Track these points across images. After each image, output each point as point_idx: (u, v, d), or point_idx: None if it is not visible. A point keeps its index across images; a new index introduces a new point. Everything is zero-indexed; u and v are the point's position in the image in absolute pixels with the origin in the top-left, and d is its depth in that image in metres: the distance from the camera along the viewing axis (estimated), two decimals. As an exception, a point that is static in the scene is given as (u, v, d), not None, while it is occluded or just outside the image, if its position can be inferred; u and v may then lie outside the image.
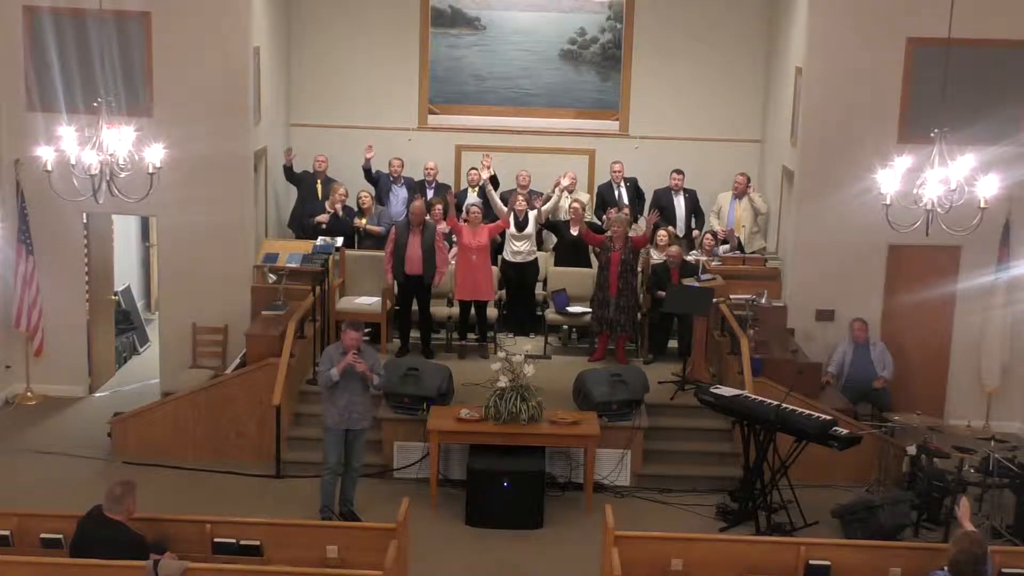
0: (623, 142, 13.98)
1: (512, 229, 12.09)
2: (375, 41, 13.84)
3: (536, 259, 12.38)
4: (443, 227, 12.10)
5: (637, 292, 11.70)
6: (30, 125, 11.27)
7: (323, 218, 12.44)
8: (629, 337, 11.74)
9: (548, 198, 12.67)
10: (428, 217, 11.75)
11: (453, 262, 12.08)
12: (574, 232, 12.16)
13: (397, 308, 11.90)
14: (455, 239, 12.33)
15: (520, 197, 12.26)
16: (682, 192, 13.04)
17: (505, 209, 12.08)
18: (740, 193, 12.93)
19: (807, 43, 11.71)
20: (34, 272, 11.72)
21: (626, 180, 13.17)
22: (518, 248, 12.17)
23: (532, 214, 12.24)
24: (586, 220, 12.46)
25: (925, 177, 8.12)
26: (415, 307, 11.69)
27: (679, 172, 13.02)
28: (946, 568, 6.20)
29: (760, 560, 7.50)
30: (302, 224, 12.78)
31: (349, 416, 9.22)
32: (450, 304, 12.00)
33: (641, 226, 12.41)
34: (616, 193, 13.08)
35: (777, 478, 9.54)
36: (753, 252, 12.73)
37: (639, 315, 11.97)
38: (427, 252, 11.34)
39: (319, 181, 12.91)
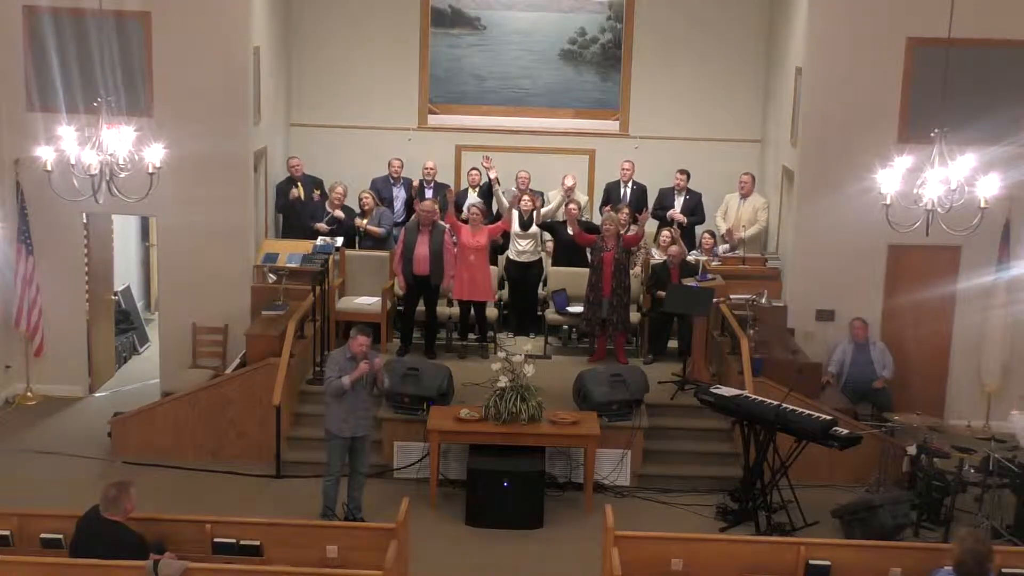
0: (623, 142, 13.97)
1: (516, 228, 12.09)
2: (375, 41, 13.83)
3: (540, 259, 12.38)
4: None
5: (631, 291, 11.68)
6: (30, 125, 11.26)
7: (322, 227, 12.39)
8: (624, 336, 11.73)
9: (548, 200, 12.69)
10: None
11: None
12: (571, 232, 12.16)
13: (400, 308, 11.89)
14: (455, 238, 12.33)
15: (525, 197, 12.26)
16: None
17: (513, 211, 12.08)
18: (747, 193, 12.94)
19: (807, 43, 11.72)
20: (34, 272, 11.72)
21: (635, 183, 13.17)
22: (523, 247, 12.16)
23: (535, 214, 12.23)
24: (583, 220, 12.45)
25: (925, 177, 8.13)
26: (418, 307, 11.67)
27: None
28: (951, 567, 6.19)
29: (760, 560, 7.50)
30: (303, 225, 12.71)
31: (356, 423, 9.18)
32: (451, 304, 12.00)
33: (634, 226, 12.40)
34: (620, 192, 13.11)
35: (777, 478, 9.55)
36: (753, 253, 12.70)
37: (639, 315, 11.97)
38: (436, 252, 11.32)
39: (297, 184, 12.87)
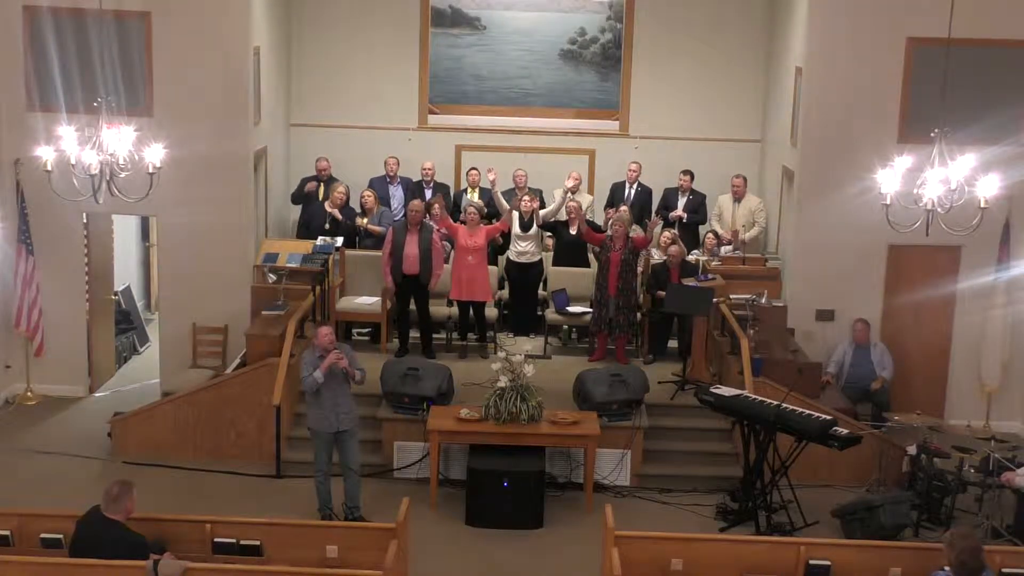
0: (623, 142, 13.98)
1: (517, 229, 12.08)
2: (375, 41, 13.84)
3: (540, 259, 12.37)
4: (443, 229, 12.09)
5: (637, 292, 11.70)
6: (30, 125, 11.26)
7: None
8: (628, 337, 11.74)
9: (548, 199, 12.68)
10: (427, 218, 11.73)
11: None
12: (572, 232, 12.16)
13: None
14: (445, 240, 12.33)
15: (526, 197, 12.25)
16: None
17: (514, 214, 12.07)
18: (740, 196, 12.93)
19: (807, 43, 11.71)
20: (34, 272, 11.71)
21: (640, 185, 13.17)
22: (523, 248, 12.16)
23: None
24: (586, 220, 12.44)
25: (925, 177, 8.13)
26: (412, 307, 11.67)
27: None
28: (947, 568, 6.19)
29: (760, 560, 7.51)
30: (309, 226, 12.70)
31: (336, 417, 9.18)
32: (450, 304, 11.99)
33: (640, 231, 12.39)
34: (625, 193, 13.11)
35: (777, 478, 9.54)
36: (753, 253, 12.70)
37: (639, 315, 11.98)
38: (424, 252, 11.33)
39: (321, 184, 12.87)
